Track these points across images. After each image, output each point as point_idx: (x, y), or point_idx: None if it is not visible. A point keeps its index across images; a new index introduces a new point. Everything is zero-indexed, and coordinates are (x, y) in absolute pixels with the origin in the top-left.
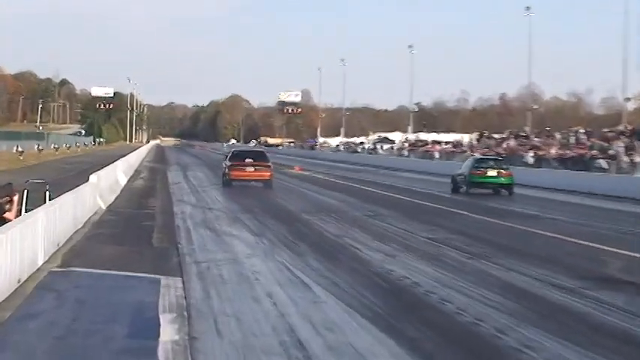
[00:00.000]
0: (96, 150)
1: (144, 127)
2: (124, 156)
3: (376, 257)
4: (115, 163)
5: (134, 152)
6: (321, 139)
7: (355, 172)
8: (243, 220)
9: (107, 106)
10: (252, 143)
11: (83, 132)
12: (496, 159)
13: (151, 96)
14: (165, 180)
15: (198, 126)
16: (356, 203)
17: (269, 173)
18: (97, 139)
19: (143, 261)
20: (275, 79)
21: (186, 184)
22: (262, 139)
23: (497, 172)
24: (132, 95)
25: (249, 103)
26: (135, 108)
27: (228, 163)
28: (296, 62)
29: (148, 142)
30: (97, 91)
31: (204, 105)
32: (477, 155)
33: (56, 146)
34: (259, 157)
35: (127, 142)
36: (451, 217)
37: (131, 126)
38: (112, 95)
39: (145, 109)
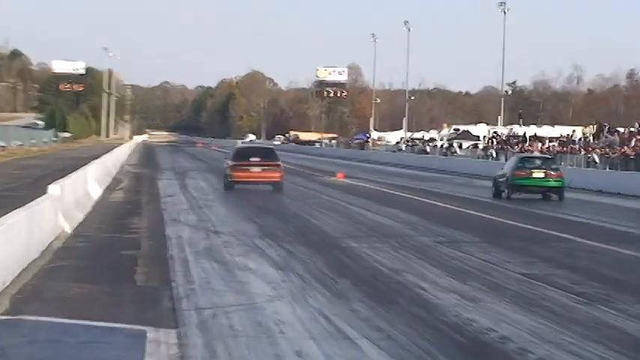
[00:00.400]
0: (59, 149)
1: (127, 118)
2: (98, 158)
3: (449, 301)
4: (84, 168)
5: (112, 153)
6: (374, 134)
7: (422, 180)
8: (262, 248)
9: (75, 86)
10: (278, 141)
11: (41, 124)
12: (545, 158)
13: (138, 75)
14: (155, 192)
15: (203, 116)
16: (422, 224)
17: (279, 174)
18: (61, 134)
19: (123, 306)
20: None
21: (184, 198)
22: (292, 134)
23: (545, 174)
24: (110, 72)
25: (275, 84)
26: (114, 90)
27: (230, 162)
28: (340, 27)
29: (132, 138)
30: (61, 67)
31: (212, 86)
32: (522, 154)
33: (2, 144)
34: (267, 155)
35: (103, 137)
36: (552, 243)
37: (108, 116)
38: (82, 73)
39: (129, 91)
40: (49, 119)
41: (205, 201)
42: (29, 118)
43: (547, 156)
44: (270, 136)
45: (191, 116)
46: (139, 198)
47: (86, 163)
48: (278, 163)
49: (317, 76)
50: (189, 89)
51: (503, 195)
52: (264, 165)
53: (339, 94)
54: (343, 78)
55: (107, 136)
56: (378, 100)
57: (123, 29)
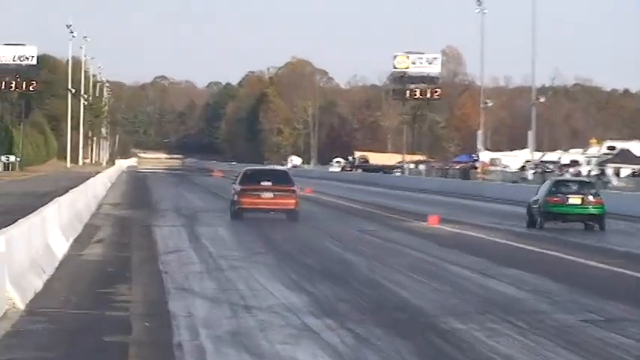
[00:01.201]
0: (2, 182)
1: (104, 132)
2: (64, 194)
3: None
4: (42, 210)
5: (84, 186)
6: (484, 155)
7: (561, 230)
8: (317, 331)
9: (25, 85)
10: (337, 166)
11: None
12: (582, 181)
13: (120, 67)
14: (152, 245)
15: (220, 128)
16: (561, 293)
17: (293, 200)
18: (3, 159)
19: None
20: (383, 29)
21: (196, 254)
22: (359, 155)
23: (583, 200)
24: (78, 62)
25: (330, 79)
26: (84, 90)
27: (238, 187)
28: None
29: (113, 163)
30: (2, 52)
31: (233, 83)
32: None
33: None
34: (280, 179)
35: (70, 163)
36: None
37: (75, 129)
38: (33, 63)
39: (105, 90)
40: None
41: (229, 259)
42: None
43: (585, 179)
44: (325, 159)
45: (202, 129)
46: (127, 255)
47: (45, 203)
48: (292, 188)
49: (394, 66)
50: (199, 88)
51: (537, 225)
52: (276, 190)
53: (428, 95)
54: (435, 69)
55: (77, 161)
56: (490, 104)
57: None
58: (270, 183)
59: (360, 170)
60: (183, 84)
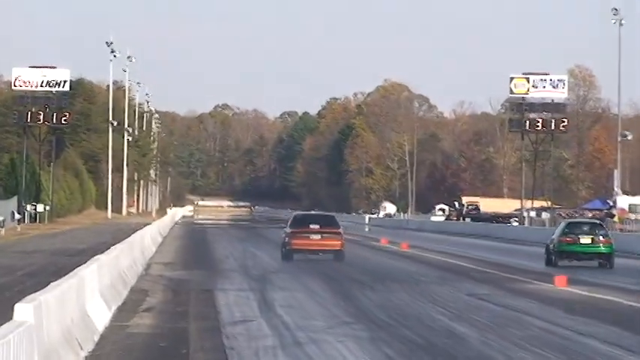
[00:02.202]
0: (27, 236)
1: (153, 174)
2: (105, 252)
3: None
4: (79, 271)
5: (130, 242)
6: (623, 200)
7: None
8: None
9: (56, 116)
10: (440, 214)
11: None
12: (593, 223)
13: (171, 94)
14: (214, 313)
15: (297, 169)
16: None
17: (339, 242)
18: (30, 208)
19: None
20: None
21: (268, 325)
22: (467, 202)
23: (593, 239)
24: (120, 88)
25: (431, 107)
26: (129, 121)
27: (289, 230)
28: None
29: (163, 212)
30: (26, 77)
31: (311, 113)
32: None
33: None
34: (327, 222)
35: (109, 213)
36: None
37: (118, 169)
38: (65, 89)
39: (154, 123)
40: (6, 180)
41: (309, 330)
42: None
43: (595, 221)
44: (426, 206)
45: (273, 169)
46: (183, 326)
47: (81, 263)
48: (339, 230)
49: (511, 90)
50: (269, 119)
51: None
52: (323, 232)
53: (553, 126)
54: (561, 94)
55: (120, 210)
56: (629, 136)
57: (139, 18)
58: (318, 226)
59: (468, 220)
60: (250, 114)
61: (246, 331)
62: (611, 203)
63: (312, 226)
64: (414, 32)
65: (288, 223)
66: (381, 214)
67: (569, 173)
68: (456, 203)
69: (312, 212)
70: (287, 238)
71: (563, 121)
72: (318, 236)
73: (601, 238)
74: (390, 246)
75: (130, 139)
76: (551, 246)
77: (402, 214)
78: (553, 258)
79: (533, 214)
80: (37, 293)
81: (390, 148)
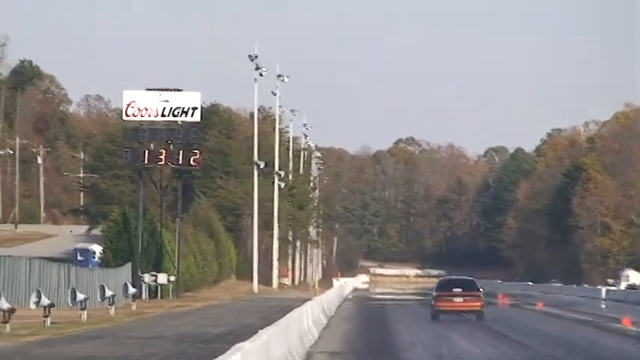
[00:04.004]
0: (147, 316)
1: (313, 232)
2: (248, 339)
3: None
4: None
5: (282, 322)
6: None
7: None
8: None
9: (182, 156)
10: None
11: (97, 251)
12: None
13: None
14: None
15: (505, 224)
16: None
17: (479, 303)
18: (149, 278)
19: None
20: None
21: None
22: None
23: None
24: (268, 117)
25: None
26: (281, 162)
27: (435, 293)
28: None
29: (328, 283)
30: (144, 102)
31: (525, 150)
32: None
33: (5, 306)
34: (468, 286)
35: (256, 285)
36: None
37: (266, 226)
38: (195, 119)
39: (315, 164)
40: (116, 242)
41: None
42: (64, 233)
43: None
44: None
45: (476, 225)
46: None
47: (218, 353)
48: (479, 293)
49: None
50: (469, 157)
51: None
52: (465, 295)
53: None
54: None
55: (269, 281)
56: None
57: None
58: (460, 289)
59: None
60: (444, 152)
61: None
62: None
63: (454, 290)
64: None
65: (435, 288)
66: (622, 285)
67: None
68: None
69: (455, 277)
70: (433, 301)
71: None
72: (461, 299)
73: None
74: (636, 329)
75: (283, 185)
76: None
77: None
78: None
79: None
80: None
81: (635, 196)
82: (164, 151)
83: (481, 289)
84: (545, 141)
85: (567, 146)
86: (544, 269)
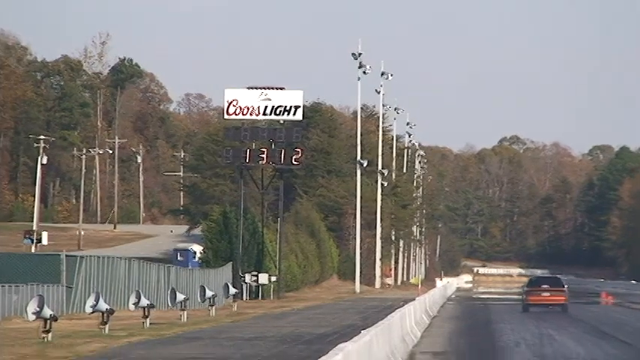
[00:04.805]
0: (243, 319)
1: (417, 231)
2: (350, 340)
3: None
4: None
5: (384, 323)
6: None
7: None
8: None
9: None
10: None
11: (198, 251)
12: None
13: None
14: None
15: (610, 223)
16: None
17: (563, 297)
18: (250, 277)
19: None
20: None
21: None
22: None
23: None
24: (371, 116)
25: None
26: (383, 161)
27: (526, 289)
28: None
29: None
30: (246, 100)
31: (630, 147)
32: None
33: (104, 307)
34: (554, 283)
35: (357, 285)
36: None
37: (370, 226)
38: (297, 118)
39: (419, 163)
40: (217, 242)
41: None
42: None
43: None
44: None
45: (581, 224)
46: None
47: (321, 354)
48: (563, 289)
49: None
50: (574, 156)
51: None
52: (552, 290)
53: None
54: None
55: (372, 281)
56: None
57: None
58: (547, 285)
59: None
60: (549, 150)
61: None
62: None
63: (543, 286)
64: None
65: (526, 284)
66: None
67: None
68: None
69: (543, 275)
70: (524, 295)
71: None
72: (548, 293)
73: None
74: None
75: (386, 184)
76: None
77: None
78: None
79: None
80: None
81: None
82: (265, 150)
83: (565, 286)
84: None
85: None
86: None
